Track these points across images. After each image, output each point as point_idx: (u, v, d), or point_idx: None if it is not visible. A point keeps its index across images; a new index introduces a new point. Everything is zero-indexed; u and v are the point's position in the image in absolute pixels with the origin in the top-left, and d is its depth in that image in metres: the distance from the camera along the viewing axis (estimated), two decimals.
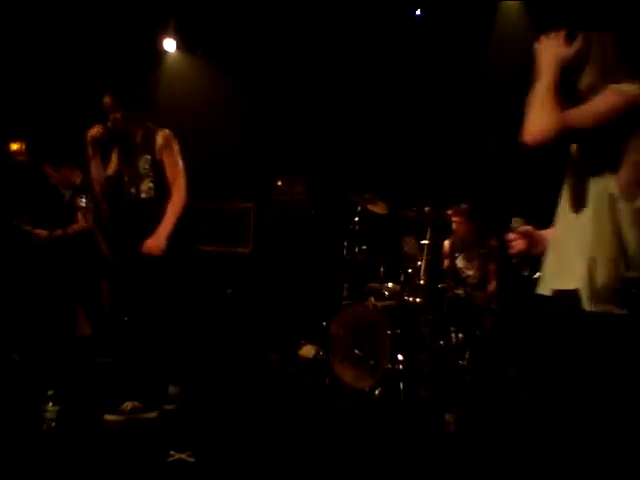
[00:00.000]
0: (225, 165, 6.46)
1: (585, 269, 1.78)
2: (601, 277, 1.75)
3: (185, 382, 4.02)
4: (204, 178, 4.11)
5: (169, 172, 3.80)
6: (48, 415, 3.33)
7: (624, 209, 1.82)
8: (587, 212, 1.86)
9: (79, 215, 4.98)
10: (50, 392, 3.38)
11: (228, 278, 6.32)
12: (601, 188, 1.86)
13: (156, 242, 3.68)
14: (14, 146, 5.67)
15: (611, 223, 1.81)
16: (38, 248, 5.05)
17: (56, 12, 5.80)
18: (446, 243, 5.39)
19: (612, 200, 1.83)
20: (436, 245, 5.12)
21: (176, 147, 3.85)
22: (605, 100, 1.84)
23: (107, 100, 3.75)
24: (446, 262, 5.35)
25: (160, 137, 3.81)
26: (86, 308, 5.23)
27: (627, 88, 1.86)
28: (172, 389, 3.92)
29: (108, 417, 3.62)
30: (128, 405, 3.68)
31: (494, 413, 4.17)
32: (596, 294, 1.73)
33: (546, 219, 2.17)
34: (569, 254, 1.88)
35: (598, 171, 1.87)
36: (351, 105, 6.31)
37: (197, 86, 6.66)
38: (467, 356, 4.57)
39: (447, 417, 3.87)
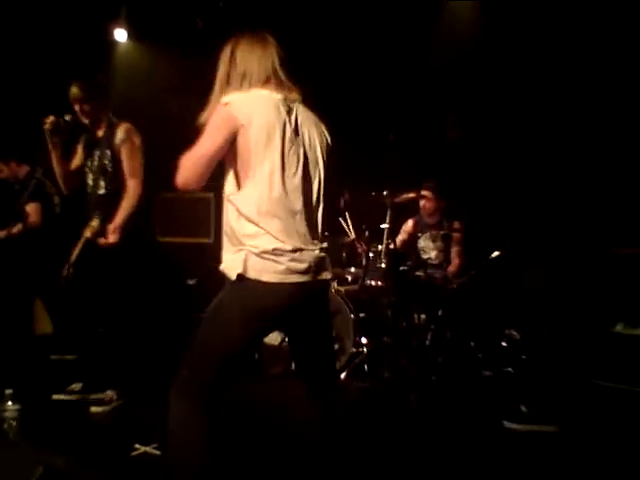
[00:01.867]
0: (183, 154, 6.38)
1: (236, 252, 2.26)
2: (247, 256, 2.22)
3: (149, 375, 4.00)
4: (162, 168, 4.09)
5: (126, 166, 3.76)
6: (8, 415, 3.30)
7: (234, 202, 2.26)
8: (227, 205, 2.30)
9: (28, 210, 4.86)
10: (9, 391, 3.34)
11: (190, 268, 6.27)
12: (229, 186, 2.30)
13: (109, 237, 3.66)
14: None
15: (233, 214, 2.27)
16: None
17: (2, 3, 5.65)
18: (410, 221, 5.43)
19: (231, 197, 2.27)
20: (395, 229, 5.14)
21: (137, 141, 3.81)
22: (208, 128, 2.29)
23: (75, 91, 3.64)
24: (401, 237, 5.38)
25: (121, 131, 3.76)
26: (47, 304, 5.15)
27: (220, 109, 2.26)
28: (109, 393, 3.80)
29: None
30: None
31: (457, 391, 4.24)
32: (248, 266, 2.23)
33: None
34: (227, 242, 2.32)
35: (227, 172, 2.34)
36: (306, 92, 6.28)
37: (151, 75, 6.53)
38: (429, 336, 4.63)
39: (411, 397, 3.94)
